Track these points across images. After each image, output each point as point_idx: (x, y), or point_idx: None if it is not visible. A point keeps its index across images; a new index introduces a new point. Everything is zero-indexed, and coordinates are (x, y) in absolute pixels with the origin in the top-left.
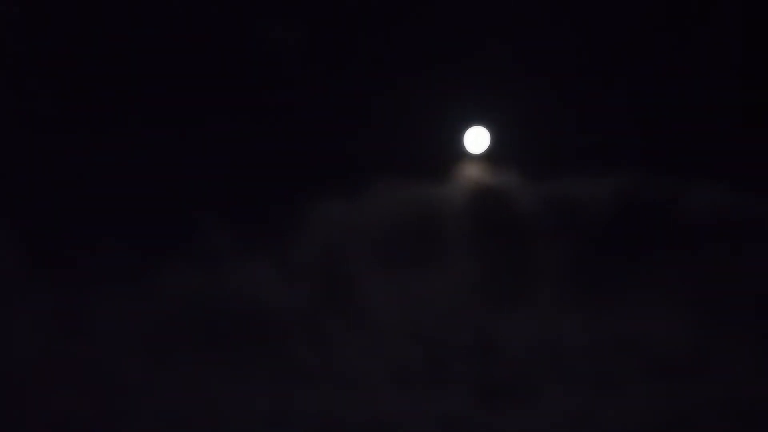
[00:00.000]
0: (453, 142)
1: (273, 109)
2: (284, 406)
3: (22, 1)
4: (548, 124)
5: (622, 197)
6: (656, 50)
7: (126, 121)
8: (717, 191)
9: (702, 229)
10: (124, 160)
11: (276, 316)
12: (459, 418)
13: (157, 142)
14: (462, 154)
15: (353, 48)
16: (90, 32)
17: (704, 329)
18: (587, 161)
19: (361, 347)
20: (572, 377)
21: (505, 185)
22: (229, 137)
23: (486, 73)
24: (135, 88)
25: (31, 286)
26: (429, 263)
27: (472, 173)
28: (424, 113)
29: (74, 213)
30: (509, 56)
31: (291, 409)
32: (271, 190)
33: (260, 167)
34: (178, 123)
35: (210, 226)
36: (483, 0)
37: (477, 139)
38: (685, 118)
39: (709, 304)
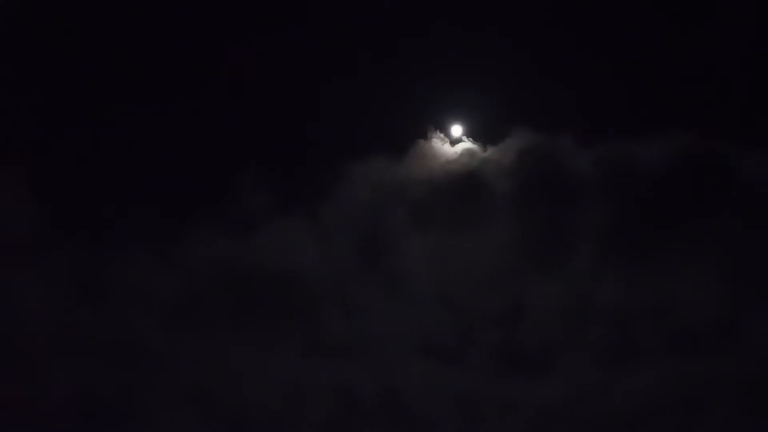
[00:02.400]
0: (502, 105)
1: (314, 71)
2: (308, 375)
3: None
4: (598, 86)
5: (671, 162)
6: (710, 12)
7: (159, 83)
8: None
9: (752, 199)
10: (156, 121)
11: (306, 282)
12: (478, 390)
13: (191, 103)
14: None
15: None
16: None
17: (739, 302)
18: (638, 124)
19: (391, 315)
20: (596, 346)
21: (553, 147)
22: (266, 95)
23: (535, 36)
24: (169, 51)
25: (52, 248)
26: (468, 227)
27: (519, 135)
28: (470, 73)
29: (100, 173)
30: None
31: (314, 379)
32: (309, 150)
33: (299, 127)
34: (212, 84)
35: (246, 187)
36: None
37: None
38: (743, 83)
39: (748, 277)
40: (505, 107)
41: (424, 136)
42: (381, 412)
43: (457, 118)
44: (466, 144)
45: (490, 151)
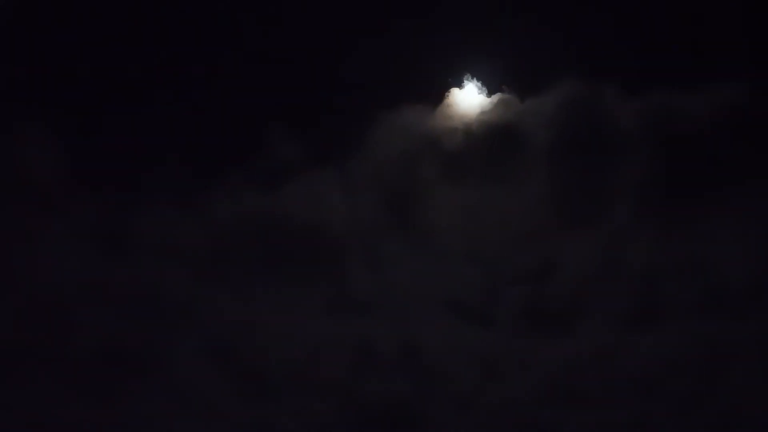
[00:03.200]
0: (542, 54)
1: (344, 16)
2: (331, 331)
3: None
4: (646, 33)
5: (720, 116)
6: None
7: (186, 34)
8: None
9: None
10: (183, 72)
11: (333, 236)
12: (498, 348)
13: (219, 54)
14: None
15: None
16: None
17: None
18: (687, 75)
19: (417, 271)
20: (623, 305)
21: (596, 98)
22: (295, 45)
23: None
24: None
25: (78, 201)
26: (501, 180)
27: (560, 85)
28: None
29: (126, 125)
30: None
31: (337, 335)
32: (339, 101)
33: (328, 76)
34: (240, 35)
35: (275, 140)
36: None
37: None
38: None
39: None
40: (545, 56)
41: (459, 85)
42: (400, 368)
43: (494, 66)
44: (503, 94)
45: (528, 102)
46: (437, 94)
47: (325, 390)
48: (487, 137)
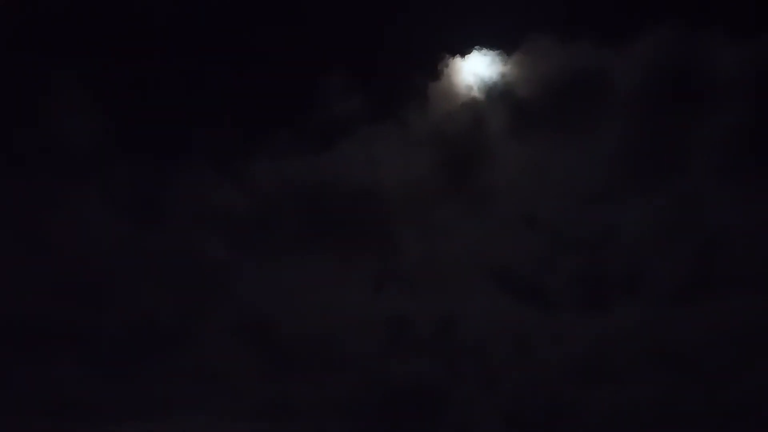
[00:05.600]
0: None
1: None
2: (367, 307)
3: None
4: None
5: None
6: None
7: None
8: None
9: None
10: (226, 18)
11: (385, 200)
12: (536, 324)
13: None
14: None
15: None
16: None
17: None
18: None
19: (470, 239)
20: (678, 276)
21: (694, 44)
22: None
23: None
24: None
25: (112, 164)
26: (573, 134)
27: (652, 30)
28: None
29: (165, 82)
30: None
31: (373, 311)
32: (401, 50)
33: (389, 24)
34: None
35: (328, 94)
36: None
37: None
38: None
39: None
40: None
41: (537, 29)
42: (433, 345)
43: (578, 6)
44: (588, 39)
45: (614, 49)
46: (512, 39)
47: (353, 367)
48: (563, 86)
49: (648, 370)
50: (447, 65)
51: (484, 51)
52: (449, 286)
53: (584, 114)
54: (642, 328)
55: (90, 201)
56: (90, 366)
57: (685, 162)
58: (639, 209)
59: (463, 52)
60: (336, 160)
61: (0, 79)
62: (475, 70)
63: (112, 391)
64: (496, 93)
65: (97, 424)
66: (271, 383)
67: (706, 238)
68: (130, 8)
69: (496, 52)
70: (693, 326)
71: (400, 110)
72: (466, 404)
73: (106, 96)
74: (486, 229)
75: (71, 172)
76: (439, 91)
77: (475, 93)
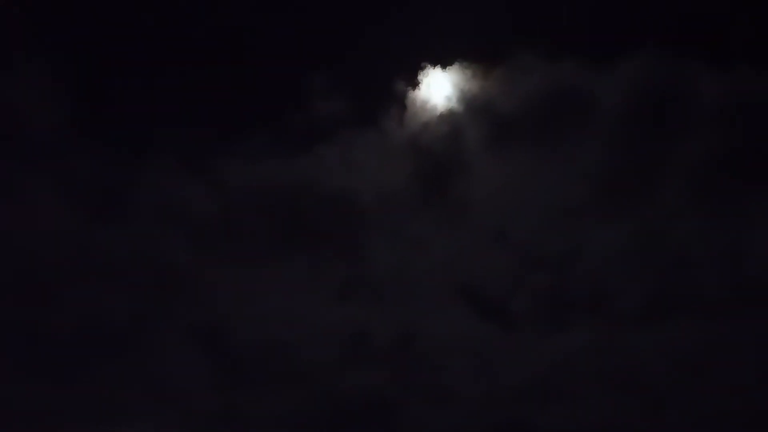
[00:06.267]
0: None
1: None
2: (328, 318)
3: None
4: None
5: None
6: None
7: None
8: None
9: None
10: (203, 19)
11: (358, 209)
12: (499, 343)
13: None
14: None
15: None
16: None
17: None
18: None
19: (440, 254)
20: (640, 298)
21: (677, 70)
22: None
23: None
24: None
25: (73, 152)
26: (550, 151)
27: (638, 55)
28: None
29: (136, 70)
30: None
31: (334, 323)
32: (384, 57)
33: (374, 31)
34: None
35: (308, 96)
36: None
37: None
38: None
39: None
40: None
41: (522, 45)
42: (389, 360)
43: (564, 26)
44: (572, 59)
45: (596, 70)
46: (497, 55)
47: (306, 378)
48: (543, 104)
49: (599, 392)
50: (428, 75)
51: (467, 64)
52: (414, 299)
53: (562, 133)
54: (597, 350)
55: (45, 191)
56: (29, 368)
57: (656, 186)
58: (608, 231)
59: (445, 63)
60: (311, 163)
61: None
62: (456, 82)
63: (52, 396)
64: (476, 106)
65: (34, 430)
66: (221, 393)
67: (668, 263)
68: None
69: (479, 65)
70: (645, 350)
71: (379, 117)
72: (419, 420)
73: (72, 81)
74: (456, 244)
75: (27, 158)
76: (418, 101)
77: (455, 105)
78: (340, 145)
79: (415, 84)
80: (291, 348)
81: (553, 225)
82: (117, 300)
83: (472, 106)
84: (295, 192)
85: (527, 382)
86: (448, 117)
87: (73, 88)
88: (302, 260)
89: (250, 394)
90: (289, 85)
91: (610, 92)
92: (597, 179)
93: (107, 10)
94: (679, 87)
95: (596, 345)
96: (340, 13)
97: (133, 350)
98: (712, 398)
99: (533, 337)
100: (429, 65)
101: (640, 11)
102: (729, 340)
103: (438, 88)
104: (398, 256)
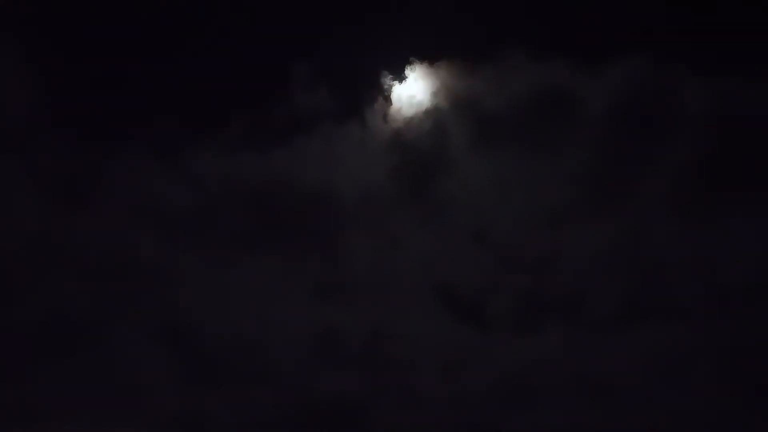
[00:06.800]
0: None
1: None
2: (299, 317)
3: None
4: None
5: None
6: None
7: None
8: None
9: None
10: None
11: (336, 205)
12: (471, 345)
13: None
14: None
15: None
16: None
17: None
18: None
19: (418, 253)
20: (614, 302)
21: (664, 75)
22: None
23: None
24: None
25: (41, 136)
26: (532, 152)
27: (625, 59)
28: None
29: (112, 56)
30: None
31: (304, 323)
32: (368, 50)
33: (357, 21)
34: None
35: (291, 87)
36: None
37: None
38: None
39: None
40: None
41: (510, 44)
42: (359, 360)
43: (553, 27)
44: (560, 60)
45: (584, 72)
46: (484, 52)
47: (274, 378)
48: (530, 103)
49: (571, 395)
50: (414, 70)
51: (454, 60)
52: (389, 299)
53: (547, 134)
54: (571, 353)
55: (11, 178)
56: None
57: (636, 190)
58: (586, 234)
59: (432, 59)
60: (290, 157)
61: None
62: (442, 78)
63: (12, 393)
64: (461, 104)
65: None
66: (188, 392)
67: (644, 268)
68: None
69: (466, 62)
70: (617, 354)
71: (362, 111)
72: (388, 421)
73: (44, 70)
74: (435, 243)
75: None
76: (403, 96)
77: (440, 102)
78: (321, 139)
79: (401, 78)
80: (260, 347)
81: (533, 227)
82: (82, 294)
83: (457, 104)
84: (272, 186)
85: (498, 385)
86: (433, 113)
87: (46, 78)
88: (276, 257)
89: (217, 393)
90: (269, 75)
91: (597, 95)
92: (579, 182)
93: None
94: (664, 91)
95: (570, 348)
96: (327, 1)
97: (98, 346)
98: (685, 401)
99: (507, 340)
100: (416, 60)
101: (628, 14)
102: (702, 343)
103: (424, 84)
104: (375, 255)
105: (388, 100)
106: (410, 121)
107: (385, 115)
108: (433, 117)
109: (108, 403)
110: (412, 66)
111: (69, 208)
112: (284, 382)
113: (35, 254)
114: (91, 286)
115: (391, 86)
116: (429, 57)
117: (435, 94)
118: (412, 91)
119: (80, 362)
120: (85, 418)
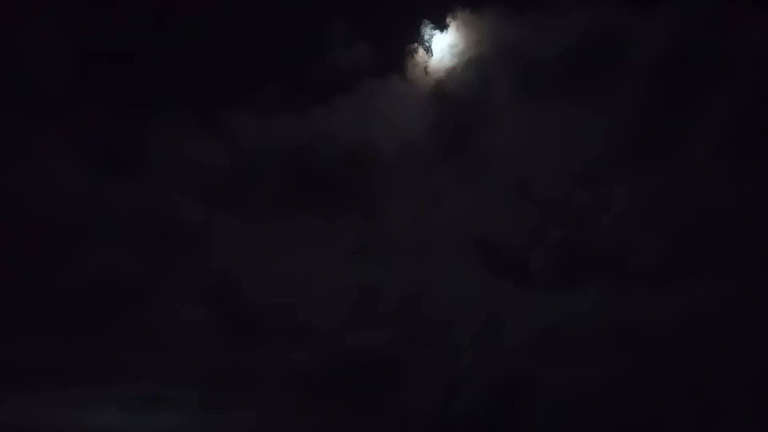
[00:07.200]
0: None
1: None
2: (339, 276)
3: None
4: None
5: None
6: None
7: None
8: None
9: None
10: None
11: (376, 162)
12: (510, 300)
13: None
14: None
15: None
16: None
17: None
18: None
19: (459, 208)
20: (660, 255)
21: (718, 13)
22: None
23: None
24: None
25: (81, 107)
26: (579, 100)
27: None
28: None
29: (145, 19)
30: None
31: (345, 281)
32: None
33: None
34: None
35: (327, 45)
36: None
37: None
38: None
39: None
40: None
41: None
42: (398, 318)
43: None
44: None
45: (640, 10)
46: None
47: (313, 336)
48: (579, 49)
49: (607, 349)
50: (455, 18)
51: (498, 6)
52: (428, 256)
53: (596, 80)
54: (610, 308)
55: (56, 146)
56: (37, 325)
57: (687, 139)
58: (633, 184)
59: (475, 5)
60: (328, 115)
61: None
62: (485, 26)
63: (60, 352)
64: (506, 51)
65: (41, 387)
66: (228, 350)
67: (691, 220)
68: None
69: (510, 7)
70: (659, 307)
71: (402, 63)
72: (424, 377)
73: (83, 33)
74: (476, 198)
75: (38, 115)
76: (444, 46)
77: (483, 50)
78: (360, 95)
79: (442, 27)
80: (300, 305)
81: (577, 178)
82: (127, 257)
83: (501, 52)
84: (311, 146)
85: (537, 341)
86: (476, 63)
87: (84, 43)
88: (316, 217)
89: (258, 351)
90: (308, 33)
91: (650, 37)
92: (627, 130)
93: None
94: (722, 33)
95: (612, 303)
96: None
97: (143, 308)
98: (730, 359)
99: (546, 294)
100: (457, 7)
101: None
102: (746, 298)
103: (466, 33)
104: (415, 212)
105: (428, 51)
106: (452, 72)
107: (426, 67)
108: (475, 67)
109: (154, 362)
110: (453, 14)
111: (113, 175)
112: (324, 339)
113: (83, 220)
114: (136, 250)
115: (431, 36)
116: (471, 4)
117: (477, 43)
118: (454, 40)
119: (128, 323)
120: (132, 377)
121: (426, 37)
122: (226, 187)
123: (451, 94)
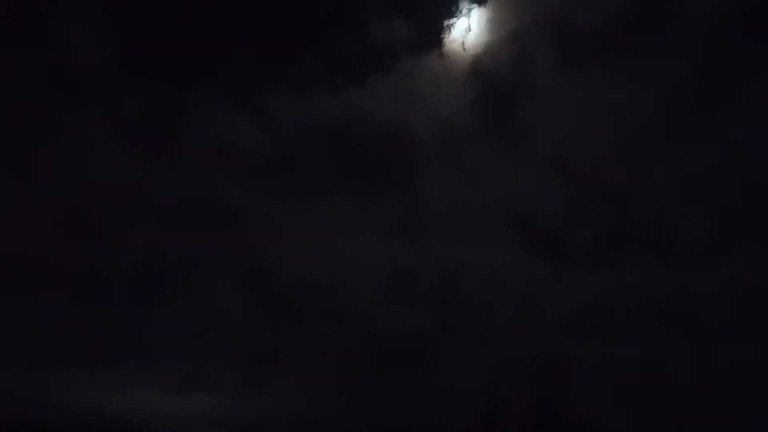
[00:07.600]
0: None
1: None
2: (377, 257)
3: None
4: None
5: None
6: None
7: None
8: None
9: None
10: None
11: (413, 138)
12: (547, 282)
13: None
14: None
15: None
16: None
17: None
18: None
19: (497, 186)
20: (703, 232)
21: None
22: None
23: None
24: None
25: (119, 89)
26: (627, 70)
27: None
28: None
29: (189, 2)
30: None
31: (382, 262)
32: None
33: None
34: None
35: (363, 21)
36: None
37: None
38: None
39: None
40: None
41: None
42: (434, 299)
43: None
44: None
45: None
46: None
47: (349, 317)
48: (623, 18)
49: (643, 327)
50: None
51: None
52: (465, 235)
53: (639, 52)
54: (650, 285)
55: (95, 130)
56: (81, 306)
57: (733, 112)
58: (677, 159)
59: None
60: (366, 95)
61: None
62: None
63: (102, 334)
64: (546, 23)
65: (84, 367)
66: (266, 331)
67: (736, 197)
68: None
69: None
70: (702, 286)
71: (441, 39)
72: (459, 357)
73: (119, 15)
74: (514, 175)
75: (75, 96)
76: (484, 19)
77: (522, 23)
78: (397, 73)
79: (480, 1)
80: (338, 286)
81: (618, 152)
82: (168, 239)
83: (541, 24)
84: (348, 126)
85: (569, 319)
86: (515, 36)
87: (120, 26)
88: (353, 196)
89: (295, 332)
90: (345, 10)
91: (699, 3)
92: (670, 103)
93: None
94: None
95: (650, 281)
96: None
97: (181, 289)
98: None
99: (584, 272)
100: None
101: None
102: None
103: (505, 5)
104: (452, 190)
105: (468, 25)
106: (490, 47)
107: (464, 43)
108: (514, 41)
109: (194, 343)
110: None
111: (153, 157)
112: (361, 320)
113: (124, 202)
114: (176, 232)
115: (470, 11)
116: None
117: (516, 16)
118: (492, 14)
119: (170, 304)
120: (172, 357)
121: (464, 11)
122: (263, 168)
123: (489, 69)
